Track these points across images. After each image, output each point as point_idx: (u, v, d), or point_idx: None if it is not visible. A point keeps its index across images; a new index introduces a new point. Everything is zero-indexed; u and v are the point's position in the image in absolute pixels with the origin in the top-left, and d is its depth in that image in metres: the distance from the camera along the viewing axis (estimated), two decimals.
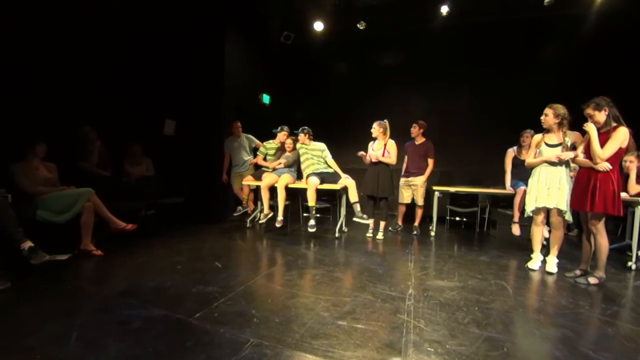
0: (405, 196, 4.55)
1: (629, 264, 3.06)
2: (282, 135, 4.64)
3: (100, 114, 3.95)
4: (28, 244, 2.32)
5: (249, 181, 4.53)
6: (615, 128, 2.48)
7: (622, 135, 2.44)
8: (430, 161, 4.42)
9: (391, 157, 3.94)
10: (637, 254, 3.05)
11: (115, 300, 2.05)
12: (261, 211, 4.38)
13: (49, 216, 2.84)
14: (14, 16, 3.14)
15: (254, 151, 5.20)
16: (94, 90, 3.92)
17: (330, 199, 4.61)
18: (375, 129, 3.98)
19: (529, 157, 3.03)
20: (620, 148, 2.47)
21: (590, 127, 2.54)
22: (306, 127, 4.30)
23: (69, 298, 2.08)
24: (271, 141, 4.86)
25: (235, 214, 4.67)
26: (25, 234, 2.36)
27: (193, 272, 2.61)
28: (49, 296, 2.09)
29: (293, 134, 4.49)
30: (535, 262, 2.97)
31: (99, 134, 3.76)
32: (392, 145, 3.97)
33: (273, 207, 4.30)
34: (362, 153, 4.11)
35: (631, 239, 3.14)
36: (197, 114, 5.07)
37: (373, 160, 3.98)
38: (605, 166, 2.47)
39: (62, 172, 3.24)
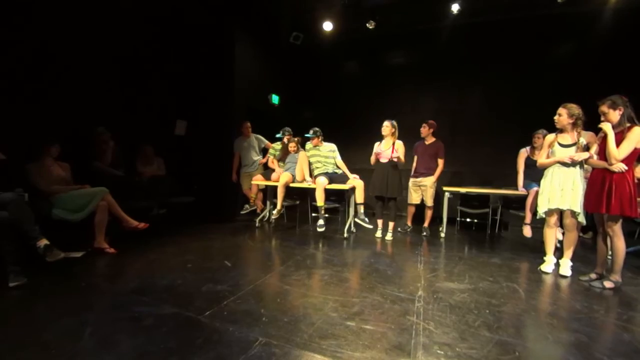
0: (414, 197, 4.51)
1: None
2: (285, 139, 4.78)
3: (113, 114, 4.03)
4: (44, 241, 2.37)
5: (258, 181, 4.57)
6: (629, 128, 2.42)
7: (636, 136, 2.38)
8: (441, 161, 4.36)
9: (401, 158, 3.91)
10: None
11: (128, 298, 2.09)
12: (273, 209, 4.42)
13: (65, 214, 2.91)
14: (29, 19, 3.23)
15: (264, 151, 5.24)
16: (107, 92, 4.00)
17: (338, 199, 4.61)
18: (388, 127, 3.94)
19: (541, 158, 2.97)
20: (636, 148, 2.40)
21: (606, 126, 2.47)
22: (318, 130, 4.29)
23: (83, 295, 2.13)
24: (279, 143, 4.91)
25: (242, 212, 4.70)
26: (41, 231, 2.42)
27: (203, 270, 2.64)
28: (63, 292, 2.15)
29: (304, 137, 4.44)
30: (548, 265, 2.91)
31: (113, 134, 3.83)
32: (400, 145, 3.94)
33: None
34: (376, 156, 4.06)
35: None
36: (207, 114, 5.13)
37: (394, 159, 3.90)
38: (620, 167, 2.41)
39: (77, 171, 3.32)
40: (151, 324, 1.74)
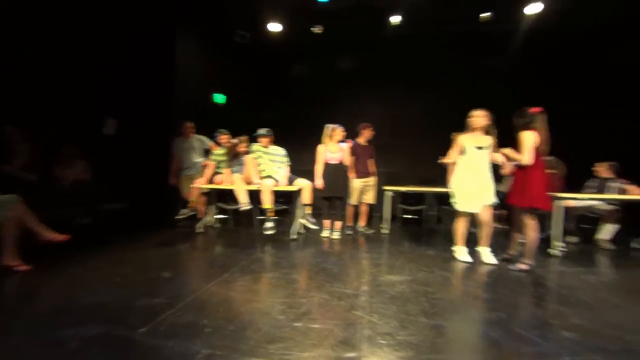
0: (359, 197, 4.47)
1: (551, 251, 3.47)
2: (225, 139, 4.46)
3: (29, 111, 3.52)
4: None
5: (199, 184, 4.34)
6: (520, 136, 2.85)
7: (528, 138, 2.81)
8: (373, 161, 4.54)
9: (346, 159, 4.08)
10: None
11: (49, 319, 1.83)
12: (217, 213, 4.47)
13: None
14: None
15: (207, 153, 4.96)
16: (22, 86, 3.48)
17: (286, 200, 4.58)
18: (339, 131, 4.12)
19: (451, 158, 3.28)
20: (535, 148, 2.83)
21: (505, 152, 2.98)
22: (271, 130, 4.23)
23: None
24: (220, 148, 4.58)
25: (178, 217, 4.37)
26: None
27: (137, 283, 2.43)
28: None
29: (254, 136, 4.28)
30: (462, 254, 3.19)
31: (28, 134, 3.34)
32: (346, 148, 4.13)
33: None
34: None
35: (552, 229, 3.57)
36: (142, 113, 4.74)
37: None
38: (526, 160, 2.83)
39: None
40: (77, 347, 1.55)
